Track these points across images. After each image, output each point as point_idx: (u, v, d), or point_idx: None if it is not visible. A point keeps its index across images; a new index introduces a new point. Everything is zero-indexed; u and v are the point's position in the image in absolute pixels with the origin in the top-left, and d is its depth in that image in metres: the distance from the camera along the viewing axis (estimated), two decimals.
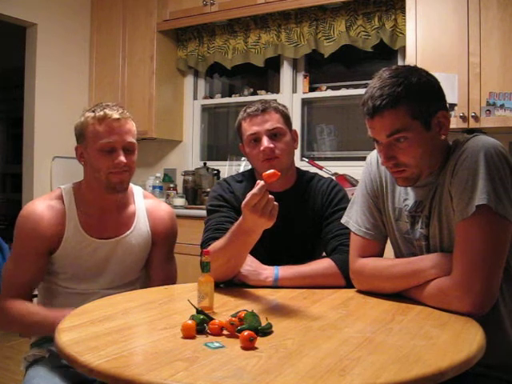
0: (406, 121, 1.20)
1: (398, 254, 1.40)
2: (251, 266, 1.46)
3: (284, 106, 1.69)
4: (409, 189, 1.34)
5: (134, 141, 1.53)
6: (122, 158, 1.47)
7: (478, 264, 1.13)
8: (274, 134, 1.60)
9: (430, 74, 1.27)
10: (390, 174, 1.35)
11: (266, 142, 1.58)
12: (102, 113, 1.48)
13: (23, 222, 1.51)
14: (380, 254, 1.41)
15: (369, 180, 1.43)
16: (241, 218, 1.31)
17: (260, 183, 1.22)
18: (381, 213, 1.41)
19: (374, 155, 1.43)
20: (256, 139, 1.60)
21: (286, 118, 1.65)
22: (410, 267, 1.27)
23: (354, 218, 1.44)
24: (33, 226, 1.48)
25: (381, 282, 1.33)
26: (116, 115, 1.48)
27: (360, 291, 1.40)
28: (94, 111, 1.50)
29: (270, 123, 1.60)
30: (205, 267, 1.26)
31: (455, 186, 1.19)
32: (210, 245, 1.46)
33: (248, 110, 1.63)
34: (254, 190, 1.22)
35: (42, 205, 1.53)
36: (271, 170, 1.26)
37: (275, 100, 1.74)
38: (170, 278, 1.63)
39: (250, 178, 1.70)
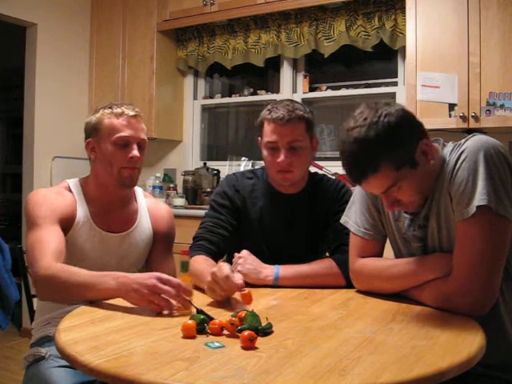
0: (393, 175, 1.17)
1: (398, 254, 1.40)
2: (252, 264, 1.47)
3: (308, 111, 1.60)
4: None
5: (146, 138, 1.59)
6: (136, 152, 1.53)
7: (478, 264, 1.13)
8: (292, 147, 1.57)
9: (392, 106, 1.20)
10: None
11: (283, 155, 1.55)
12: (119, 109, 1.54)
13: (36, 198, 1.50)
14: (379, 254, 1.41)
15: None
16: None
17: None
18: (380, 213, 1.41)
19: None
20: (274, 148, 1.58)
21: (310, 125, 1.60)
22: (410, 267, 1.27)
23: (353, 218, 1.44)
24: (46, 201, 1.49)
25: (380, 282, 1.34)
26: (133, 112, 1.55)
27: (360, 291, 1.40)
28: (110, 108, 1.56)
29: (291, 136, 1.55)
30: None
31: (455, 187, 1.19)
32: (199, 245, 1.56)
33: (273, 115, 1.56)
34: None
35: (51, 190, 1.58)
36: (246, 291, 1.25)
37: (298, 102, 1.64)
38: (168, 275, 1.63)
39: (261, 176, 1.71)
